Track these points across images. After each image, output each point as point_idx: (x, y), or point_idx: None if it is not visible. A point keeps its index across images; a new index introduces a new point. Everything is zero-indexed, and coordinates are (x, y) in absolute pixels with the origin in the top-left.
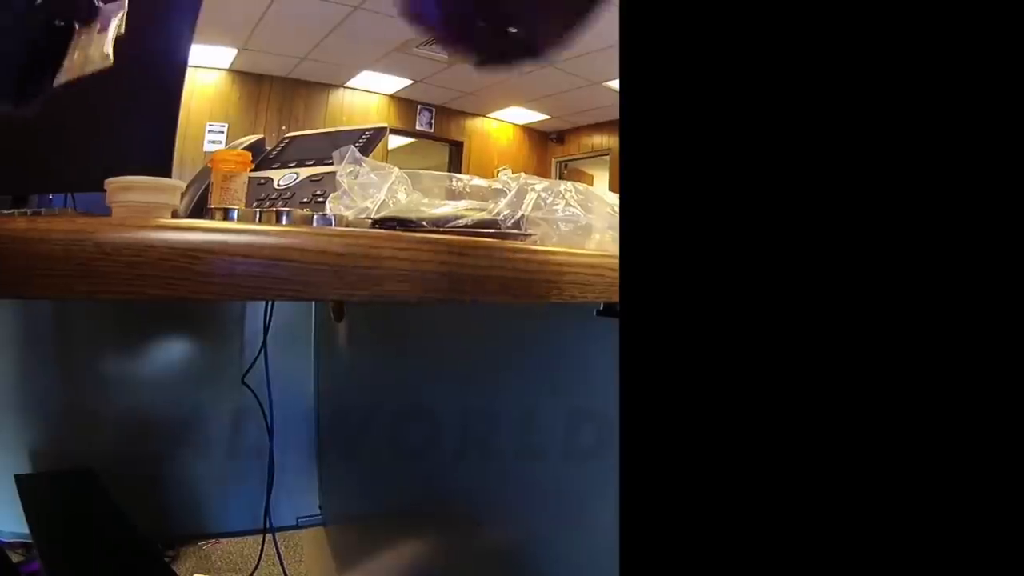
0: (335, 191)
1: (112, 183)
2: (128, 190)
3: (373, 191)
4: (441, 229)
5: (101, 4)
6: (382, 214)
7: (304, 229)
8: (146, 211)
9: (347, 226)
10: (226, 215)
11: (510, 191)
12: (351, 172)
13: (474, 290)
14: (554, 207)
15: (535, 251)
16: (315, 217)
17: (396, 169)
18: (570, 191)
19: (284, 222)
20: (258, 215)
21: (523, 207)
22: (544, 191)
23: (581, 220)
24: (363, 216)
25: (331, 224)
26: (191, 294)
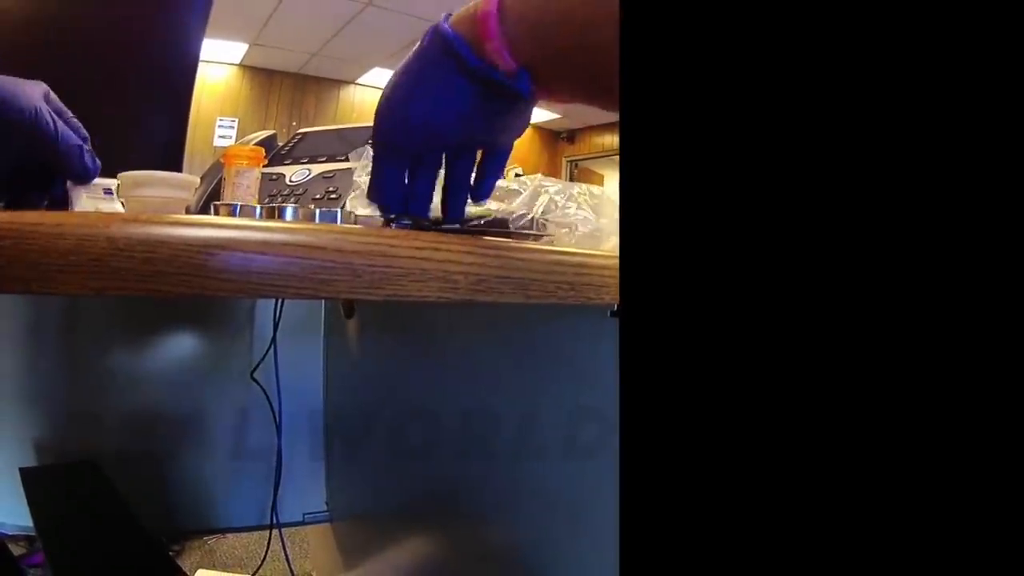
0: (350, 189)
1: (125, 178)
2: (142, 185)
3: None
4: (457, 229)
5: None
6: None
7: (321, 226)
8: (160, 206)
9: (355, 223)
10: (234, 212)
11: (525, 192)
12: None
13: (491, 290)
14: (567, 210)
15: (551, 251)
16: (317, 212)
17: None
18: (584, 194)
19: (288, 218)
20: (258, 211)
21: (536, 209)
22: (557, 193)
23: (593, 224)
24: (379, 216)
25: (336, 220)
26: (205, 291)
